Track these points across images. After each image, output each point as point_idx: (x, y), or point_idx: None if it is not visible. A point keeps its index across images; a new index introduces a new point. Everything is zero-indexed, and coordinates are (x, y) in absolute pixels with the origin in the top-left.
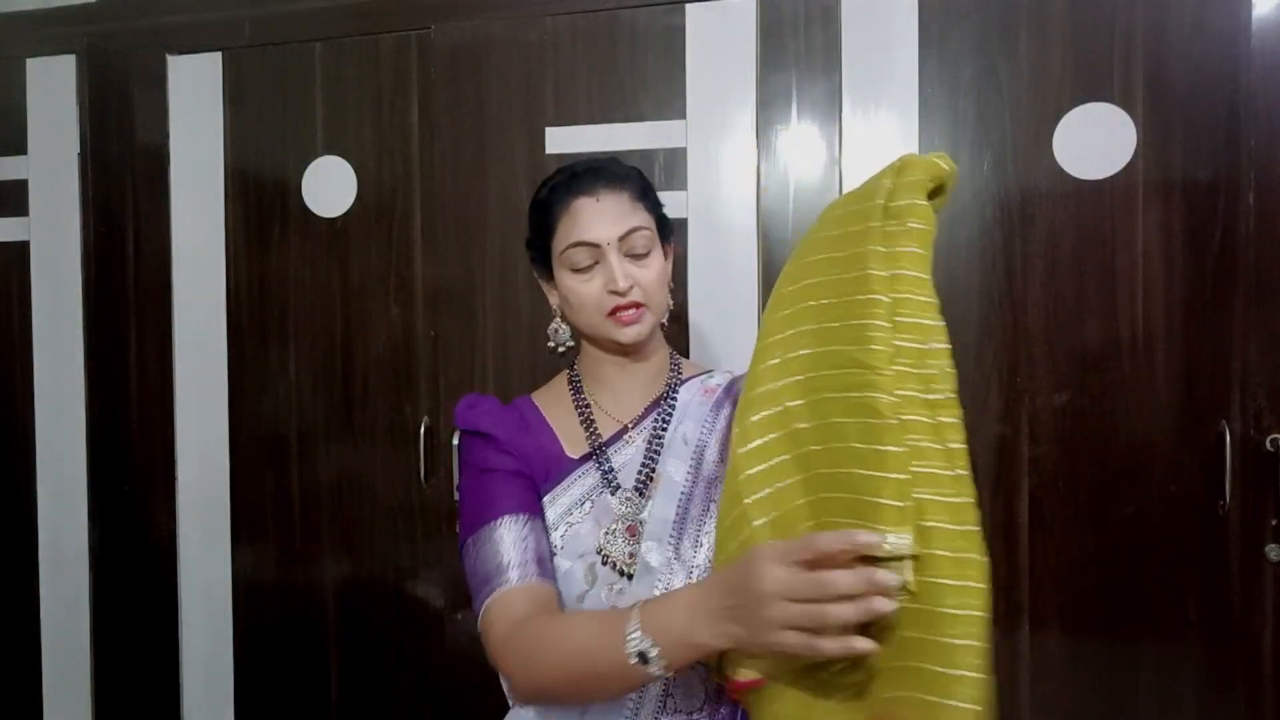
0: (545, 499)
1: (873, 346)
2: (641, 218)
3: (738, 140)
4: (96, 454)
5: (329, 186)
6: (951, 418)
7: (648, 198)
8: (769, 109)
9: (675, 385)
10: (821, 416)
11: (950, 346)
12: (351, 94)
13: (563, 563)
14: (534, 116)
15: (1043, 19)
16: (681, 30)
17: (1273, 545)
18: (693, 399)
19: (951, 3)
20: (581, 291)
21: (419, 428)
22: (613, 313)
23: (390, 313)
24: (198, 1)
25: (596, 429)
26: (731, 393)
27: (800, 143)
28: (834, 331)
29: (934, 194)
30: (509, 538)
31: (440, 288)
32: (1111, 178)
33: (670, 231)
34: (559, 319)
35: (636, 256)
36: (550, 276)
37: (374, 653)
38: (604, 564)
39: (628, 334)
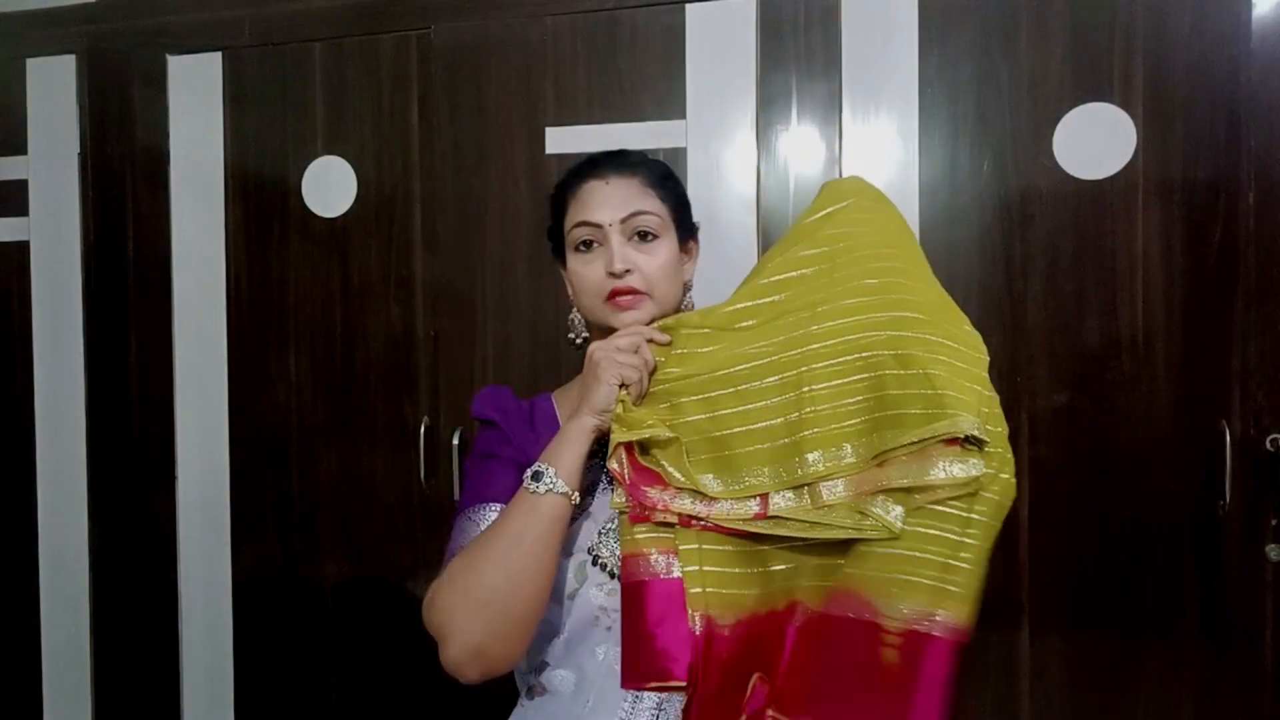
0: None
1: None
2: (651, 203)
3: (738, 140)
4: (96, 454)
5: (329, 186)
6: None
7: (664, 186)
8: (769, 109)
9: None
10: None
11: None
12: (351, 94)
13: None
14: (534, 116)
15: (1043, 19)
16: (681, 30)
17: (1273, 545)
18: None
19: (951, 3)
20: (582, 273)
21: (419, 428)
22: (611, 297)
23: (390, 313)
24: (198, 1)
25: None
26: None
27: (800, 143)
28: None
29: None
30: (485, 521)
31: (440, 288)
32: (1111, 178)
33: (693, 228)
34: (575, 310)
35: (642, 242)
36: (565, 264)
37: (374, 653)
38: (594, 564)
39: (624, 319)
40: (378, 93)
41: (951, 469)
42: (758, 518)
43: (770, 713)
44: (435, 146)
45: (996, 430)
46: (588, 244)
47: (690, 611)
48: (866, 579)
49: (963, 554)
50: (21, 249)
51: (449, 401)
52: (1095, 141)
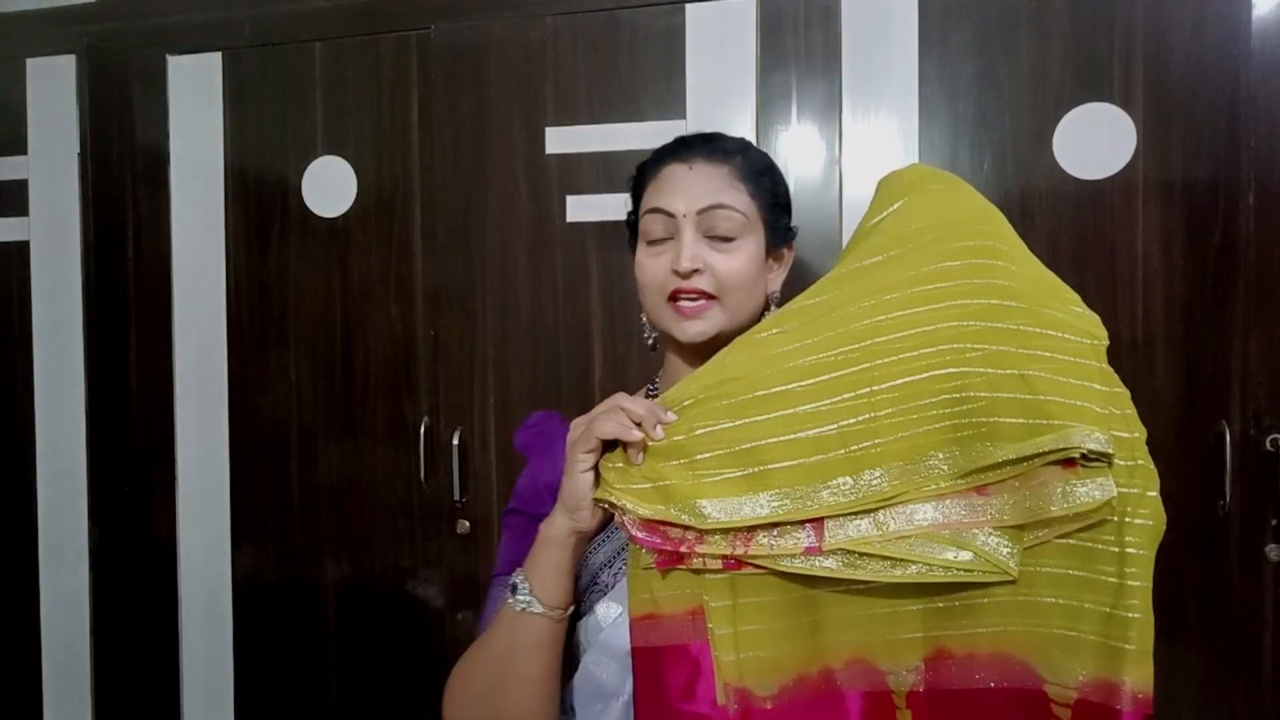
0: (599, 535)
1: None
2: (737, 198)
3: None
4: (96, 454)
5: (329, 186)
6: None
7: (758, 181)
8: (769, 109)
9: None
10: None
11: None
12: (351, 94)
13: (610, 607)
14: (534, 116)
15: (1043, 19)
16: (681, 30)
17: (1273, 545)
18: None
19: (951, 3)
20: (648, 266)
21: (419, 428)
22: (673, 298)
23: (390, 313)
24: (198, 1)
25: None
26: None
27: (800, 143)
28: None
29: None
30: None
31: (440, 288)
32: (1111, 178)
33: (789, 233)
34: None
35: (719, 239)
36: None
37: (374, 653)
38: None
39: (687, 330)
40: (378, 93)
41: (1074, 494)
42: (810, 552)
43: None
44: (435, 146)
45: (1132, 436)
46: (658, 234)
47: (720, 683)
48: (1012, 635)
49: (1128, 600)
50: (21, 249)
51: (449, 401)
52: (1095, 141)
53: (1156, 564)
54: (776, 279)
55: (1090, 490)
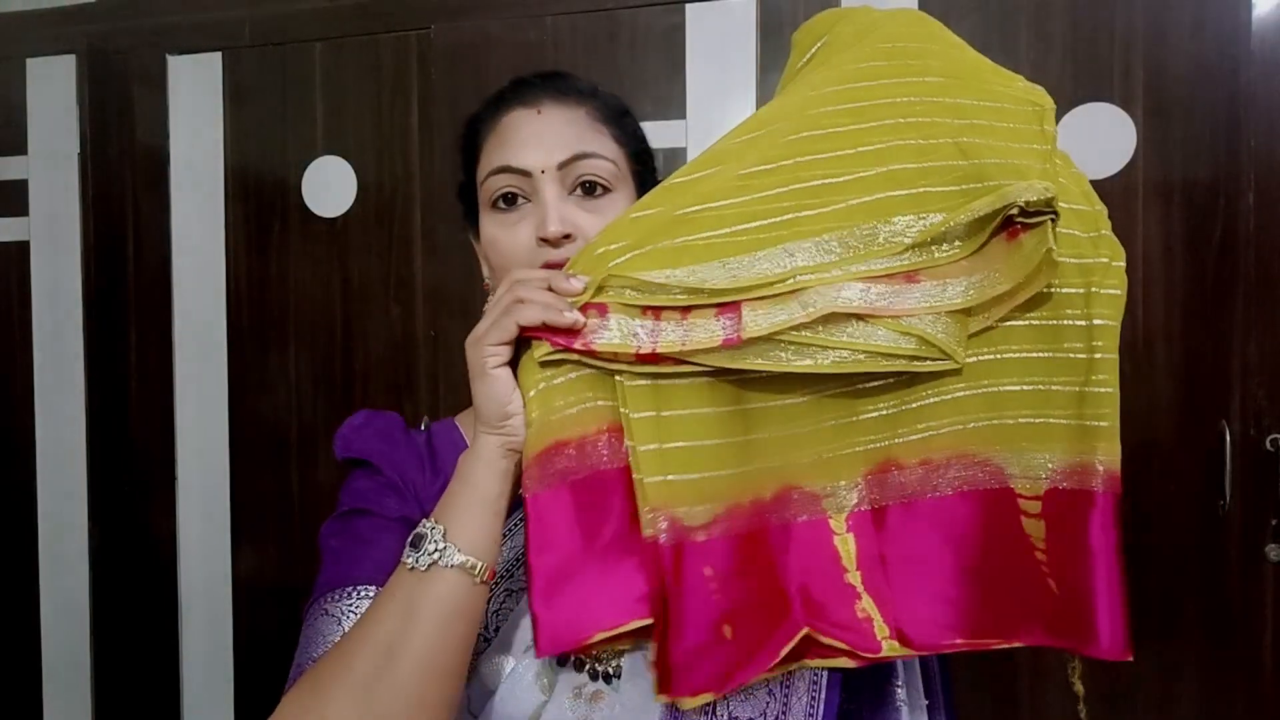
0: None
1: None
2: (603, 145)
3: None
4: (96, 454)
5: (329, 186)
6: None
7: (621, 124)
8: None
9: None
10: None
11: None
12: (351, 94)
13: (499, 661)
14: None
15: (1043, 19)
16: (681, 30)
17: (1273, 545)
18: None
19: (951, 3)
20: (503, 240)
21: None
22: None
23: (390, 313)
24: (198, 1)
25: None
26: None
27: None
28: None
29: None
30: (351, 613)
31: (440, 288)
32: (1111, 178)
33: (653, 177)
34: (493, 296)
35: (588, 196)
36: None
37: None
38: (563, 663)
39: None
40: (378, 93)
41: (1018, 255)
42: (728, 344)
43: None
44: (435, 146)
45: (1094, 210)
46: (510, 199)
47: (646, 512)
48: (974, 432)
49: (1098, 375)
50: (21, 249)
51: (449, 402)
52: (1095, 141)
53: (1156, 563)
54: None
55: (1040, 243)
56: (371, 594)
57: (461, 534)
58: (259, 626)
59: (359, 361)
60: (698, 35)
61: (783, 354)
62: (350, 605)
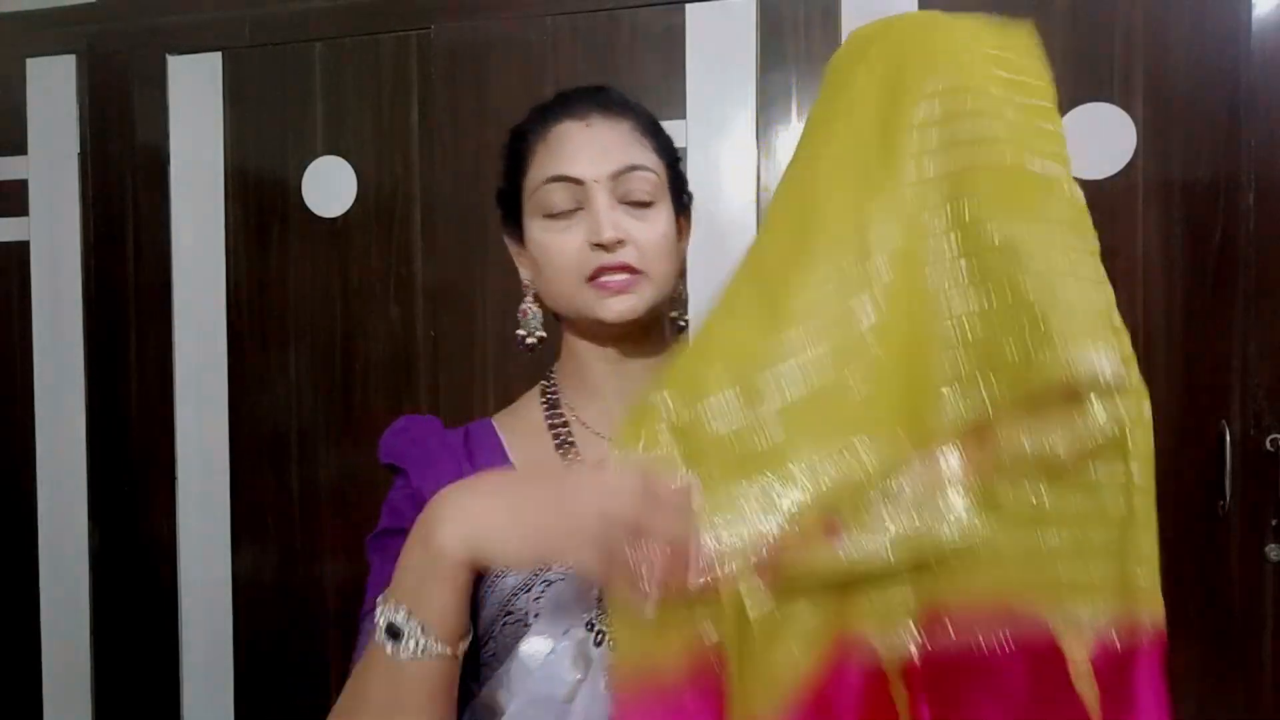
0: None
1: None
2: (648, 157)
3: (738, 140)
4: (96, 454)
5: (329, 186)
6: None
7: (659, 138)
8: (769, 109)
9: None
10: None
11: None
12: (351, 94)
13: (539, 644)
14: None
15: (1043, 19)
16: (681, 30)
17: (1273, 545)
18: None
19: (951, 3)
20: (555, 246)
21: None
22: (594, 277)
23: (390, 313)
24: (198, 1)
25: (577, 453)
26: None
27: None
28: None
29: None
30: None
31: (440, 288)
32: (1111, 178)
33: (688, 196)
34: (530, 298)
35: (635, 206)
36: (522, 238)
37: None
38: (598, 643)
39: (614, 307)
40: (378, 93)
41: (1081, 425)
42: (831, 535)
43: None
44: (435, 146)
45: (1124, 345)
46: (563, 206)
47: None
48: (1015, 584)
49: (1138, 534)
50: (21, 249)
51: (449, 401)
52: (1095, 141)
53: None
54: (683, 249)
55: (1099, 415)
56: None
57: (438, 621)
58: (259, 626)
59: (359, 361)
60: (698, 35)
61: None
62: None
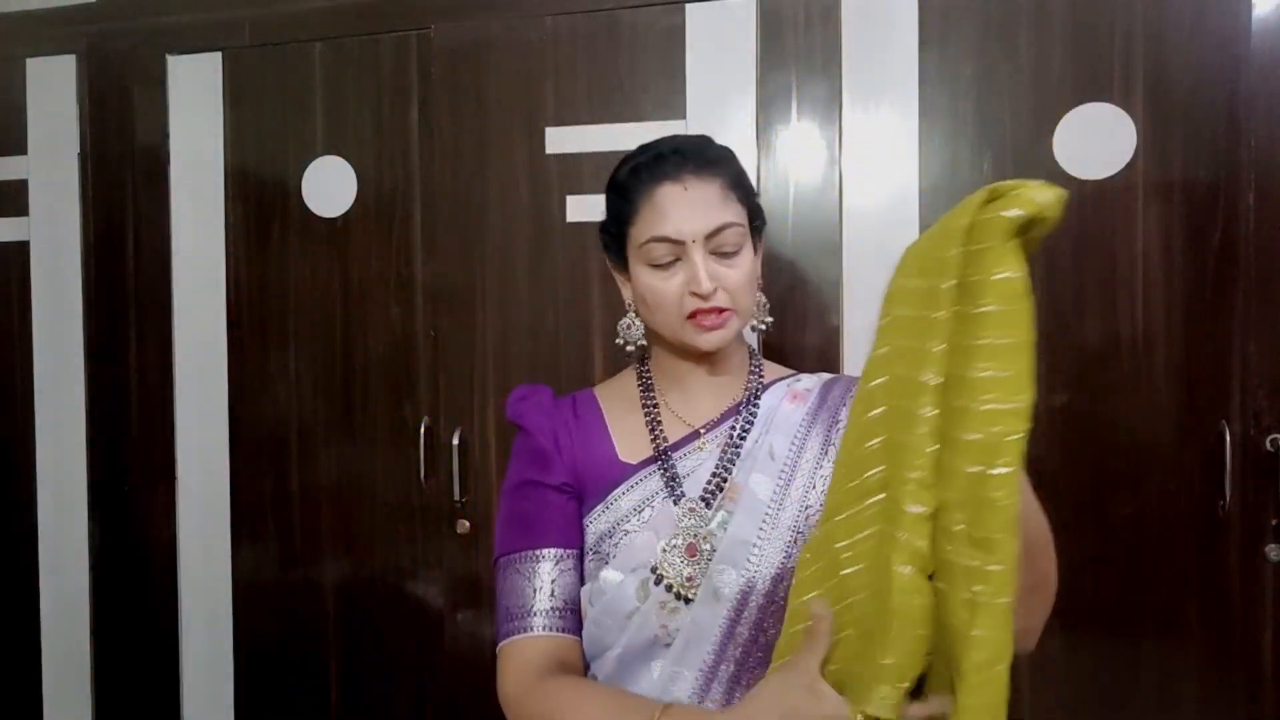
0: (597, 507)
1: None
2: (733, 211)
3: (738, 140)
4: (96, 454)
5: (329, 186)
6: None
7: (741, 186)
8: (769, 109)
9: (758, 390)
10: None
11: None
12: (351, 94)
13: (613, 574)
14: (534, 116)
15: (1043, 19)
16: (681, 30)
17: (1273, 545)
18: (779, 406)
19: (951, 3)
20: (660, 290)
21: (419, 428)
22: (693, 316)
23: (390, 313)
24: (198, 1)
25: (663, 430)
26: (827, 401)
27: (800, 143)
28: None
29: (1028, 228)
30: (540, 575)
31: (440, 288)
32: (1111, 178)
33: (763, 223)
34: (632, 314)
35: (724, 255)
36: (624, 267)
37: (374, 653)
38: (657, 583)
39: (709, 340)
40: (378, 93)
41: None
42: None
43: None
44: (435, 146)
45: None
46: (665, 260)
47: None
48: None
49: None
50: (21, 249)
51: (449, 401)
52: (1095, 141)
53: (1156, 563)
54: (758, 264)
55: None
56: (540, 556)
57: None
58: (259, 626)
59: (359, 361)
60: (698, 35)
61: None
62: (537, 567)
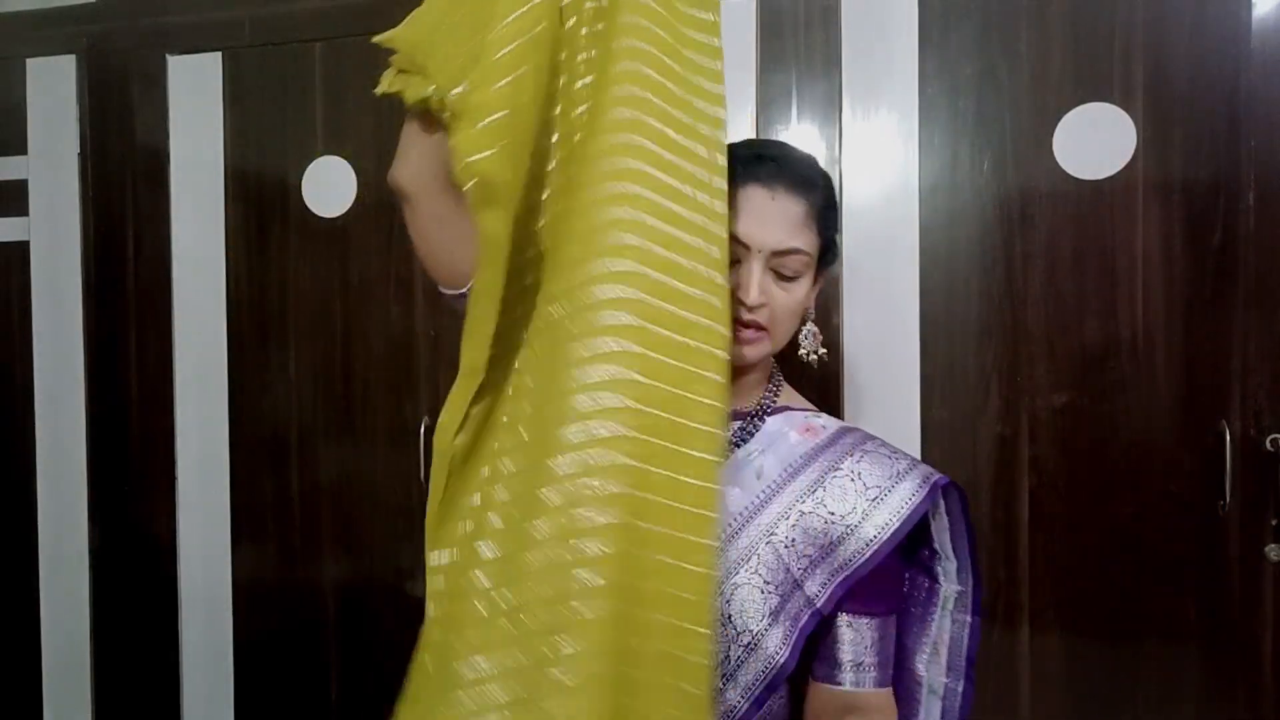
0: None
1: None
2: (807, 239)
3: (737, 140)
4: (96, 454)
5: (329, 186)
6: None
7: (825, 218)
8: (769, 109)
9: (768, 407)
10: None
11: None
12: (351, 94)
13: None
14: None
15: (1043, 19)
16: None
17: (1273, 545)
18: (785, 432)
19: (951, 3)
20: None
21: (419, 428)
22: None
23: (390, 313)
24: (198, 1)
25: None
26: (836, 445)
27: (800, 143)
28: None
29: None
30: None
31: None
32: (1111, 178)
33: (833, 258)
34: None
35: (782, 277)
36: None
37: (374, 653)
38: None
39: (736, 353)
40: None
41: None
42: None
43: None
44: None
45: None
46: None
47: None
48: None
49: None
50: (21, 249)
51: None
52: (1095, 141)
53: (1156, 563)
54: (812, 297)
55: None
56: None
57: None
58: (259, 626)
59: (359, 361)
60: None
61: None
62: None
